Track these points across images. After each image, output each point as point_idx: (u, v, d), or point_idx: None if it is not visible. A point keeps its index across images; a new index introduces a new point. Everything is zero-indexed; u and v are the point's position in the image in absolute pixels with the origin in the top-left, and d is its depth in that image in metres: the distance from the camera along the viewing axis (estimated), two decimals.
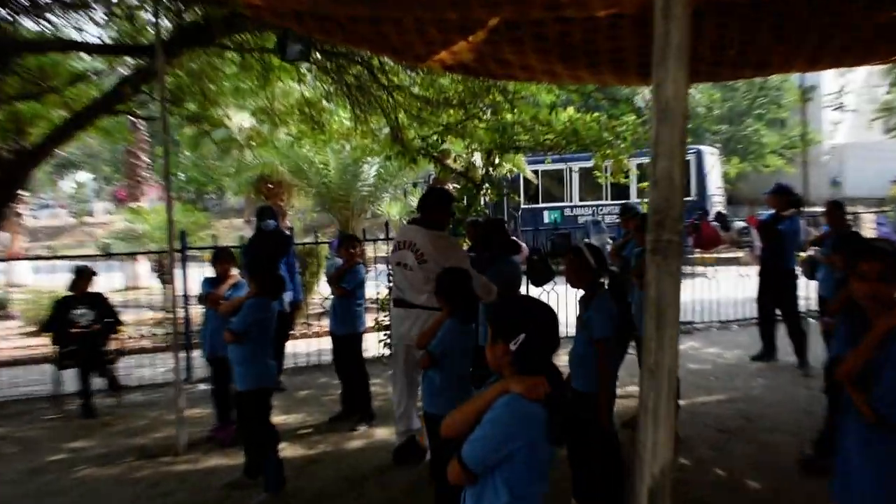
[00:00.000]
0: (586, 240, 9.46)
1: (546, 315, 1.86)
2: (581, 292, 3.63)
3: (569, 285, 3.79)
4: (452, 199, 4.62)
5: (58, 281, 6.57)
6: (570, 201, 16.52)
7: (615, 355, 3.68)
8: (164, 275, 10.74)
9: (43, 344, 7.05)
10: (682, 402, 4.94)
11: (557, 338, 1.87)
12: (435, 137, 7.76)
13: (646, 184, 8.44)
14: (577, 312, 3.63)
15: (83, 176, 37.90)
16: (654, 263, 1.55)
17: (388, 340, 6.95)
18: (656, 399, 1.50)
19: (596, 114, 8.15)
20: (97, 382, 6.09)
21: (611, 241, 8.22)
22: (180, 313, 6.36)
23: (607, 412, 3.38)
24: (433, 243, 4.14)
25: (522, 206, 16.30)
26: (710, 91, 22.49)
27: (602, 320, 3.34)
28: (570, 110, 7.99)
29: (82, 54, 7.06)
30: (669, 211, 1.55)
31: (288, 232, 7.21)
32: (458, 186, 10.28)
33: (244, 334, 3.95)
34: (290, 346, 6.91)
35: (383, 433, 5.06)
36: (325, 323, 8.48)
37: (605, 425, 3.35)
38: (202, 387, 6.26)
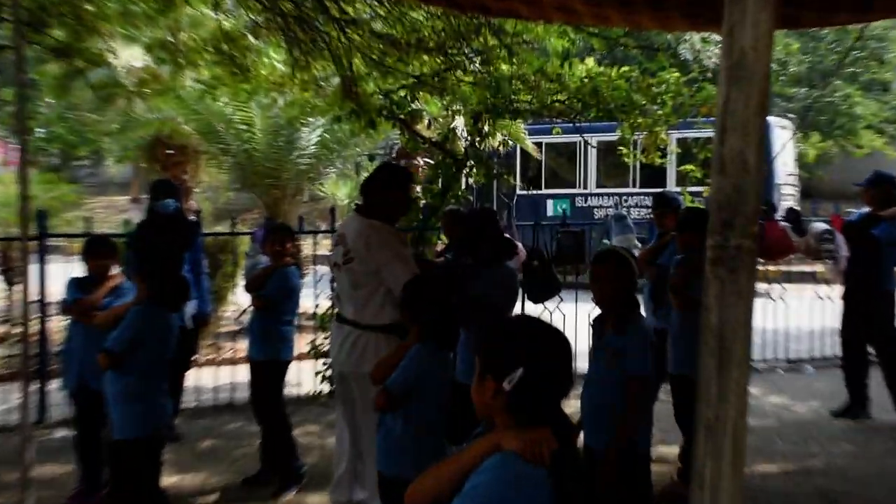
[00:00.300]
0: (606, 241, 9.45)
1: (555, 343, 1.85)
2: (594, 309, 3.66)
3: (595, 303, 3.75)
4: (409, 179, 4.55)
5: None
6: (584, 187, 16.67)
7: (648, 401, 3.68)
8: (11, 272, 10.52)
9: None
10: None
11: (570, 375, 1.87)
12: (402, 93, 7.75)
13: (690, 167, 8.51)
14: (593, 341, 3.62)
15: None
16: (716, 278, 1.52)
17: (329, 372, 6.90)
18: (715, 468, 1.45)
19: (625, 68, 8.17)
20: None
21: (639, 245, 8.24)
22: (34, 327, 6.21)
23: (613, 471, 3.37)
24: (365, 236, 4.20)
25: (519, 191, 16.39)
26: (783, 40, 22.45)
27: (640, 351, 3.40)
28: (590, 62, 8.04)
29: None
30: (741, 206, 1.50)
31: (194, 217, 7.11)
32: (432, 162, 10.30)
33: (125, 358, 3.89)
34: (192, 378, 6.84)
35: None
36: (243, 345, 8.43)
37: (610, 488, 3.36)
38: (62, 433, 6.14)
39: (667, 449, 5.41)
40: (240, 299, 8.33)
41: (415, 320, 3.29)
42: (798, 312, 9.04)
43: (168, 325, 4.02)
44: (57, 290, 5.78)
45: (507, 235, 5.81)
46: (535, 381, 1.77)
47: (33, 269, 6.21)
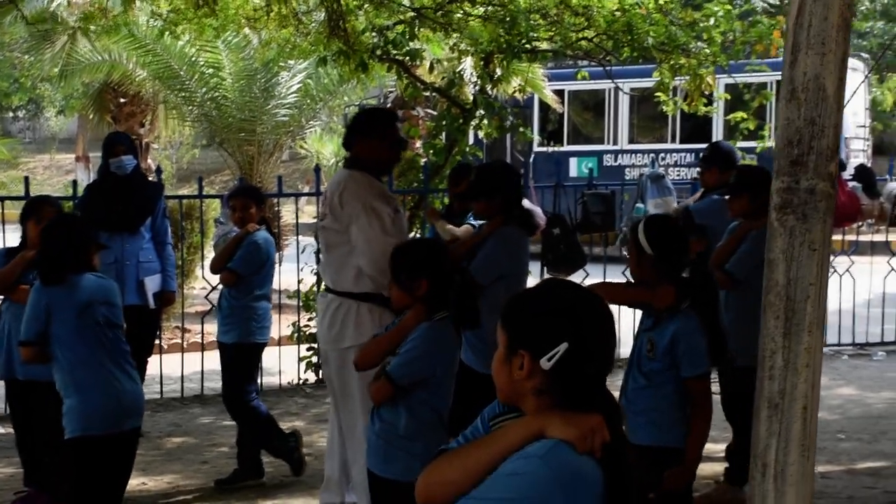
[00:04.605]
0: (640, 205, 9.40)
1: (600, 312, 1.81)
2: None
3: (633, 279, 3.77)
4: (391, 123, 4.47)
5: None
6: (614, 143, 16.59)
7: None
8: None
9: None
10: None
11: (614, 350, 1.83)
12: (399, 30, 7.69)
13: (740, 114, 8.47)
14: (639, 324, 3.64)
15: None
16: (783, 228, 1.48)
17: (315, 358, 6.96)
18: (782, 451, 1.42)
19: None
20: None
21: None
22: None
23: (690, 479, 3.45)
24: (340, 188, 4.24)
25: (536, 148, 16.34)
26: None
27: (696, 345, 3.39)
28: None
29: None
30: (815, 140, 1.45)
31: (153, 178, 7.11)
32: (435, 113, 10.27)
33: (43, 342, 3.91)
34: (156, 364, 6.89)
35: None
36: (213, 328, 8.45)
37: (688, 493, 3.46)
38: (0, 429, 6.23)
39: (713, 446, 5.45)
40: (208, 275, 8.31)
41: (412, 291, 3.26)
42: (868, 289, 9.02)
43: (82, 294, 3.92)
44: None
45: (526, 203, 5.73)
46: (581, 357, 1.72)
47: None
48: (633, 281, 3.76)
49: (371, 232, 4.07)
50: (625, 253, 4.32)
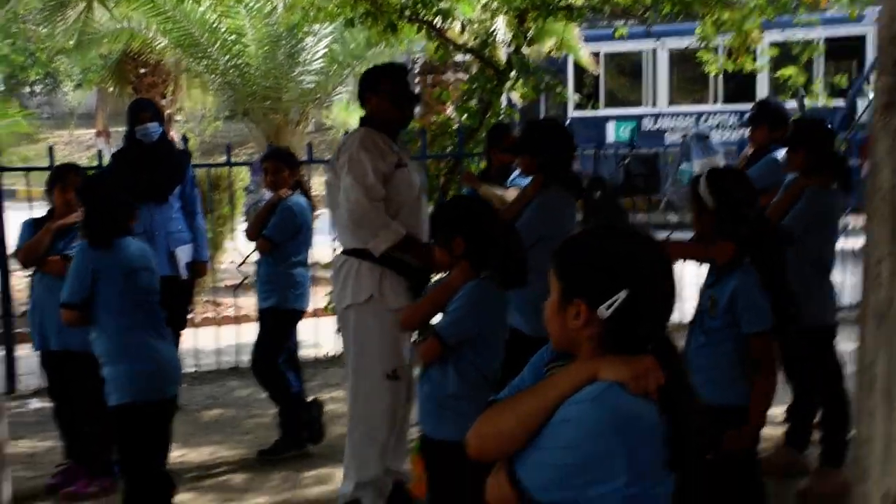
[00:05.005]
0: (684, 166, 9.38)
1: (659, 258, 1.81)
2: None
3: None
4: (397, 76, 4.39)
5: None
6: (654, 105, 16.46)
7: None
8: None
9: None
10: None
11: (674, 295, 1.82)
12: None
13: (790, 70, 8.37)
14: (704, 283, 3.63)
15: None
16: (887, 129, 1.40)
17: None
18: (892, 362, 1.38)
19: None
20: None
21: None
22: None
23: (755, 438, 3.44)
24: (342, 145, 4.29)
25: (572, 112, 16.26)
26: None
27: (756, 301, 3.37)
28: None
29: None
30: None
31: (183, 143, 7.12)
32: (465, 78, 10.20)
33: (83, 307, 3.94)
34: (190, 338, 6.96)
35: None
36: (243, 302, 8.48)
37: (752, 462, 3.44)
38: (36, 403, 6.30)
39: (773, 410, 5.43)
40: (240, 246, 8.33)
41: (466, 254, 3.24)
42: None
43: (126, 260, 3.97)
44: (14, 238, 5.73)
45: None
46: (640, 305, 1.72)
47: None
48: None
49: (348, 181, 4.06)
50: (669, 219, 4.29)
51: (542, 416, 1.72)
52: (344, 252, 4.23)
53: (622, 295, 1.70)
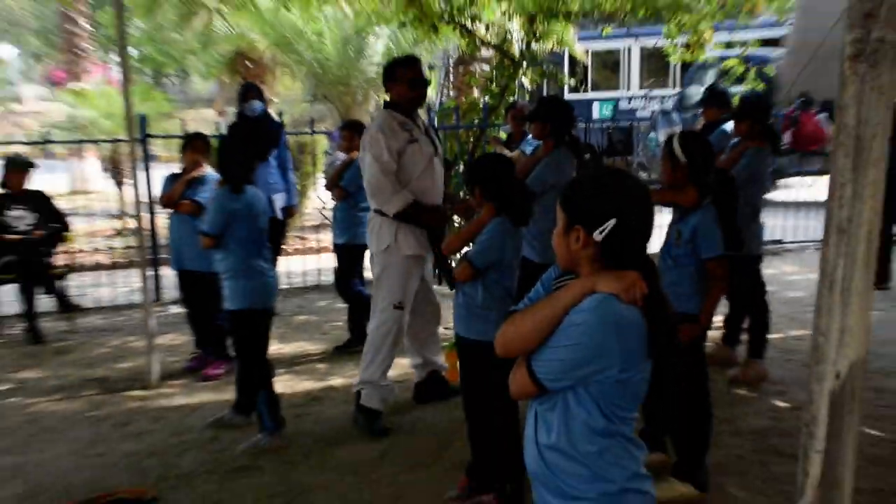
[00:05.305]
0: (653, 134, 9.23)
1: (641, 194, 1.73)
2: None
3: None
4: (406, 66, 4.09)
5: None
6: (628, 89, 16.13)
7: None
8: (120, 173, 10.66)
9: None
10: (773, 337, 4.93)
11: (653, 223, 1.75)
12: (462, 0, 7.46)
13: (733, 61, 8.07)
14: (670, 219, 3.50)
15: (6, 50, 36.98)
16: (855, 74, 1.32)
17: None
18: (848, 268, 1.32)
19: None
20: (44, 302, 6.12)
21: None
22: (145, 220, 6.32)
23: (703, 334, 3.39)
24: (369, 126, 4.15)
25: (568, 94, 15.89)
26: None
27: (713, 233, 3.26)
28: None
29: None
30: None
31: (278, 118, 7.05)
32: (487, 69, 10.01)
33: (219, 237, 3.90)
34: (283, 264, 6.91)
35: (404, 364, 4.95)
36: (323, 237, 8.51)
37: (699, 354, 3.36)
38: (176, 309, 6.30)
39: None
40: (321, 195, 8.37)
41: (491, 198, 3.14)
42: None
43: (250, 204, 3.93)
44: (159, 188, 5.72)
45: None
46: (626, 230, 1.68)
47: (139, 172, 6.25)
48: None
49: (367, 157, 3.95)
50: (641, 176, 4.18)
51: (553, 321, 1.68)
52: (373, 210, 4.10)
53: (612, 223, 1.66)
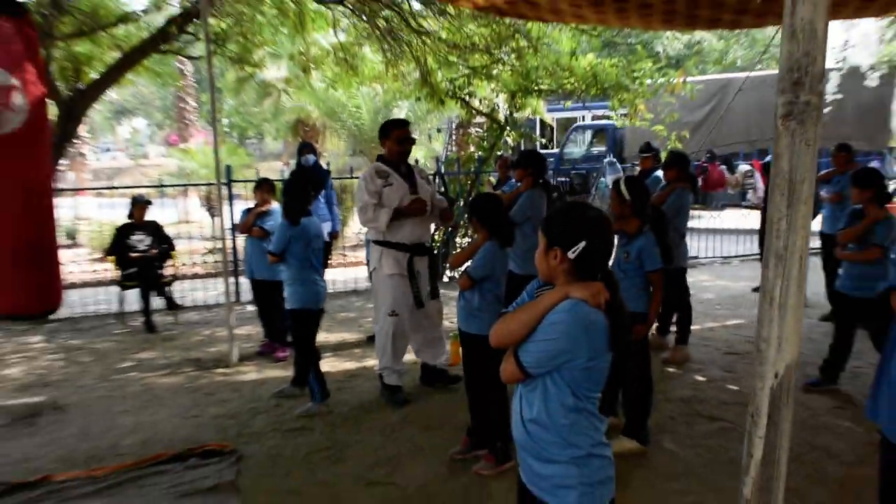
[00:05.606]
0: (603, 178, 9.13)
1: (604, 222, 1.66)
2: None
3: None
4: (393, 127, 3.88)
5: (118, 213, 6.50)
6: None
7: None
8: (212, 208, 10.66)
9: (107, 268, 6.99)
10: (694, 328, 4.84)
11: (613, 244, 1.70)
12: (462, 80, 7.42)
13: (659, 127, 7.98)
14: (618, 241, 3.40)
15: (138, 122, 37.47)
16: (787, 130, 1.25)
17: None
18: (784, 288, 1.23)
19: (615, 59, 7.68)
20: (156, 302, 6.06)
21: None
22: (228, 242, 6.24)
23: (649, 329, 3.31)
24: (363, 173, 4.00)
25: (539, 150, 15.74)
26: None
27: (653, 252, 3.17)
28: (591, 57, 7.56)
29: None
30: (810, 67, 1.23)
31: (325, 167, 7.00)
32: (482, 131, 9.95)
33: (282, 255, 3.82)
34: (329, 273, 6.83)
35: None
36: (360, 254, 8.41)
37: (645, 343, 3.27)
38: (250, 308, 6.19)
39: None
40: (357, 223, 8.29)
41: (482, 225, 3.07)
42: (729, 224, 8.67)
43: (305, 231, 3.83)
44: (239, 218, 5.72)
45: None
46: (593, 250, 1.61)
47: (225, 206, 6.22)
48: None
49: (357, 194, 3.84)
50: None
51: (535, 320, 1.60)
52: (373, 241, 3.96)
53: (582, 244, 1.59)
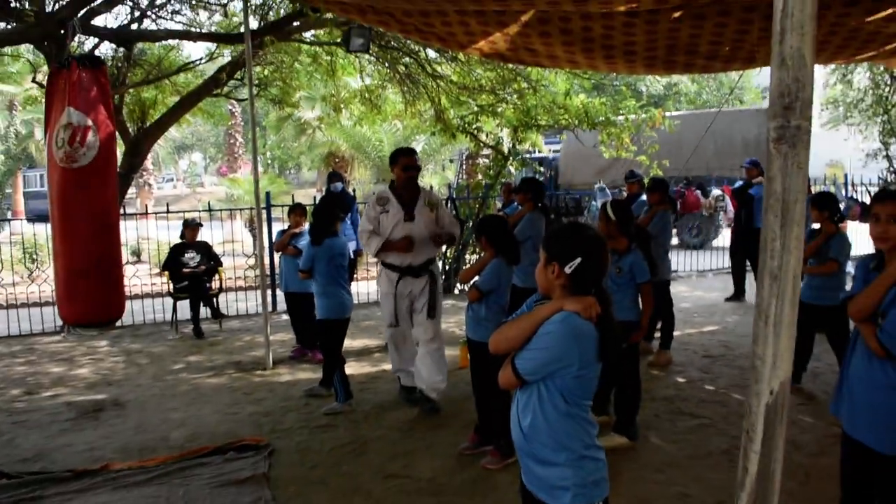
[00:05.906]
0: (594, 202, 9.04)
1: (599, 241, 1.57)
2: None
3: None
4: (403, 154, 3.72)
5: (174, 234, 6.50)
6: None
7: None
8: (254, 230, 10.67)
9: (163, 282, 6.99)
10: (675, 334, 4.70)
11: (608, 262, 1.59)
12: (471, 117, 7.41)
13: (643, 157, 7.85)
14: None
15: (195, 156, 38.20)
16: (779, 154, 1.15)
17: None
18: (779, 307, 1.13)
19: (603, 98, 7.64)
20: (204, 312, 6.01)
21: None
22: (266, 259, 6.22)
23: (641, 337, 3.19)
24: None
25: (538, 177, 15.58)
26: None
27: (642, 267, 3.09)
28: (582, 97, 7.55)
29: (185, 48, 6.87)
30: (799, 92, 1.14)
31: (352, 193, 6.97)
32: (489, 161, 9.92)
33: (310, 271, 3.76)
34: (354, 286, 6.76)
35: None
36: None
37: (635, 349, 3.16)
38: (285, 317, 6.13)
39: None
40: None
41: (490, 243, 2.99)
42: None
43: (329, 249, 3.74)
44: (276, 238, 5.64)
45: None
46: (588, 266, 1.52)
47: (265, 228, 6.19)
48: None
49: (360, 220, 3.72)
50: None
51: (532, 330, 1.51)
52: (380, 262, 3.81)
53: (578, 260, 1.50)
